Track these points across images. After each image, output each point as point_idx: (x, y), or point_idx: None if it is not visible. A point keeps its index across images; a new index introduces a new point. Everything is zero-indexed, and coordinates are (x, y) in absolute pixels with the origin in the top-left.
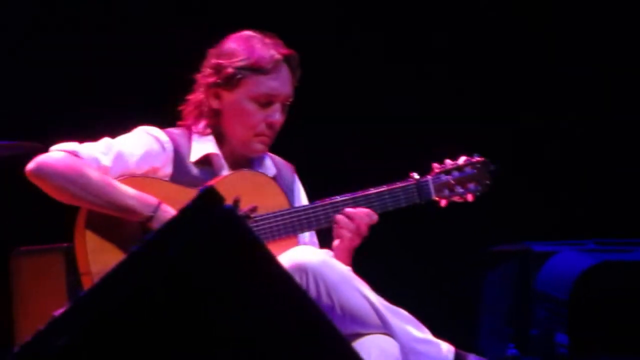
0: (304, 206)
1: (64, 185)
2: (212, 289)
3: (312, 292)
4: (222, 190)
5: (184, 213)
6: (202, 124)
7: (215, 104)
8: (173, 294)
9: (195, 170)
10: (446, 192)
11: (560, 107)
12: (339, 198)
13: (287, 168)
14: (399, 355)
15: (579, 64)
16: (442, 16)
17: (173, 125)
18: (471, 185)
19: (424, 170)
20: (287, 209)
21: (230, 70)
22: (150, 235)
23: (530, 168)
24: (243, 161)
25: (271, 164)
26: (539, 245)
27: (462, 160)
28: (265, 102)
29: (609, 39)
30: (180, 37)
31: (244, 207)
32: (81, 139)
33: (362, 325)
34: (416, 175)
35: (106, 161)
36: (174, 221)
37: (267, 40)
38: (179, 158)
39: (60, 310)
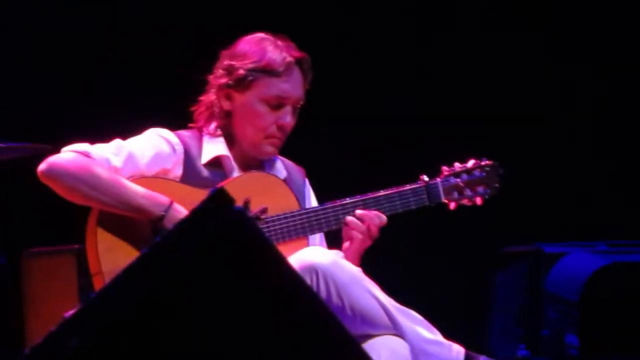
0: (314, 208)
1: (75, 185)
2: (223, 289)
3: (322, 292)
4: (233, 191)
5: (194, 214)
6: (213, 125)
7: (226, 105)
8: (184, 295)
9: (205, 172)
10: (455, 194)
11: (572, 107)
12: (348, 200)
13: (297, 171)
14: (409, 356)
15: (582, 65)
16: (441, 16)
17: (184, 126)
18: (480, 189)
19: (433, 173)
20: (297, 211)
21: (241, 71)
22: (160, 236)
23: (541, 169)
24: (253, 163)
25: (282, 167)
26: (550, 246)
27: (471, 163)
28: (277, 104)
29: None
30: (194, 37)
31: (254, 208)
32: (92, 141)
33: (372, 326)
34: (425, 178)
35: (117, 162)
36: (184, 222)
37: (280, 43)
38: (189, 160)
39: (71, 312)
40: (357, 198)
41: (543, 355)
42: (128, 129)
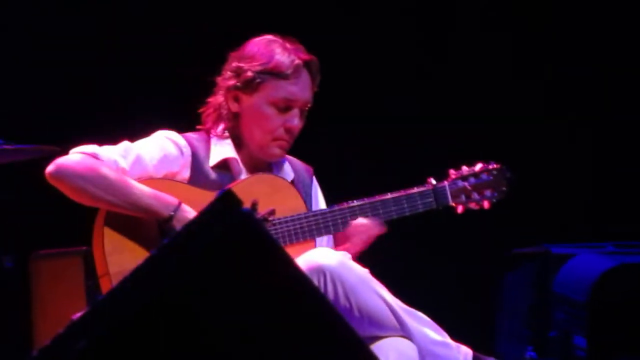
0: (321, 210)
1: (83, 186)
2: (230, 291)
3: (330, 294)
4: (240, 193)
5: (202, 216)
6: (220, 127)
7: (234, 107)
8: (191, 297)
9: (213, 175)
10: (463, 198)
11: (572, 107)
12: (356, 202)
13: (305, 171)
14: (417, 358)
15: (586, 64)
16: (441, 16)
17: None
18: (487, 192)
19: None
20: (305, 213)
21: (249, 73)
22: (168, 238)
23: (550, 170)
24: (261, 165)
25: (289, 168)
26: (558, 248)
27: (478, 166)
28: (284, 106)
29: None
30: (194, 37)
31: (262, 210)
32: (100, 143)
33: (380, 328)
34: (433, 181)
35: (125, 164)
36: (191, 224)
37: (288, 45)
38: (197, 162)
39: (79, 314)
40: (365, 201)
41: (551, 356)
42: (128, 128)
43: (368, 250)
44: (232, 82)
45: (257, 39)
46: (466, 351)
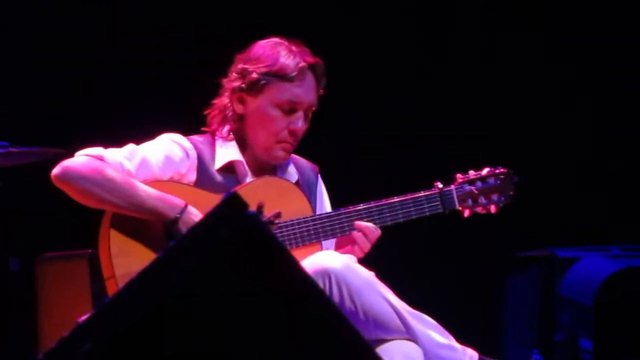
0: (327, 213)
1: (89, 188)
2: (236, 294)
3: (335, 297)
4: (246, 196)
5: (208, 219)
6: (225, 128)
7: (239, 109)
8: (197, 299)
9: (219, 177)
10: (470, 202)
11: (573, 107)
12: (362, 206)
13: (310, 171)
14: None
15: (588, 63)
16: (441, 16)
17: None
18: (494, 197)
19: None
20: (311, 216)
21: (254, 75)
22: (174, 241)
23: (555, 174)
24: (266, 167)
25: (294, 170)
26: (564, 251)
27: (485, 171)
28: (289, 109)
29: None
30: (194, 37)
31: (267, 213)
32: (104, 145)
33: (386, 331)
34: (440, 185)
35: (130, 166)
36: (198, 227)
37: (294, 48)
38: (202, 165)
39: (84, 317)
40: (372, 204)
41: (557, 359)
42: (132, 130)
43: (372, 253)
44: (237, 83)
45: (264, 42)
46: (472, 354)
